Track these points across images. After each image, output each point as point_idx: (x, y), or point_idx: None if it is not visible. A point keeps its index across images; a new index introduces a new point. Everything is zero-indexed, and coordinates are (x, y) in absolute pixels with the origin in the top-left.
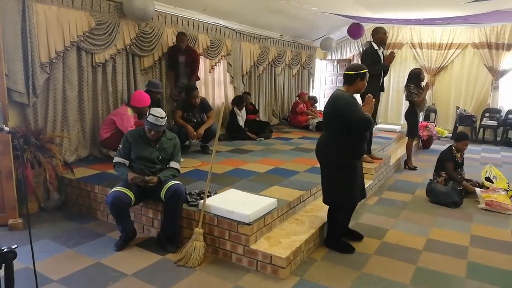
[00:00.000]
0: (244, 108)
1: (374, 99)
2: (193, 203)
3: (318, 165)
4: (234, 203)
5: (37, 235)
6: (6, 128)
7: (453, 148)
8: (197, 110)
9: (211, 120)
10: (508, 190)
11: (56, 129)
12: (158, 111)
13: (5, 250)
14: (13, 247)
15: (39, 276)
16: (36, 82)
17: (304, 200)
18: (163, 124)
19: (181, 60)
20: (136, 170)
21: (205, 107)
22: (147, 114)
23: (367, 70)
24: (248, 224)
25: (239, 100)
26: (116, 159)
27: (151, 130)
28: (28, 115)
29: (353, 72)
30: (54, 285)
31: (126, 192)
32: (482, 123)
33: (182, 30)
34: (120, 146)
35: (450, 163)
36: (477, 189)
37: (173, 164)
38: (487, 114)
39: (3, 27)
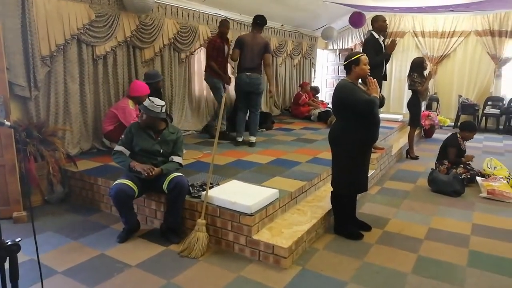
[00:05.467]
0: None
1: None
2: (196, 195)
3: (319, 156)
4: (236, 194)
5: (42, 228)
6: (7, 123)
7: (458, 136)
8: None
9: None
10: (509, 179)
11: (58, 122)
12: (156, 100)
13: (9, 243)
14: (17, 240)
15: (44, 267)
16: (37, 76)
17: (306, 191)
18: (157, 112)
19: (226, 50)
20: (138, 162)
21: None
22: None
23: (360, 55)
24: (250, 215)
25: None
26: (117, 148)
27: (143, 114)
28: (30, 108)
29: (346, 62)
30: (59, 277)
31: (130, 184)
32: (484, 111)
33: (182, 21)
34: (123, 136)
35: (453, 149)
36: (478, 178)
37: (176, 158)
38: (489, 103)
39: (3, 20)
